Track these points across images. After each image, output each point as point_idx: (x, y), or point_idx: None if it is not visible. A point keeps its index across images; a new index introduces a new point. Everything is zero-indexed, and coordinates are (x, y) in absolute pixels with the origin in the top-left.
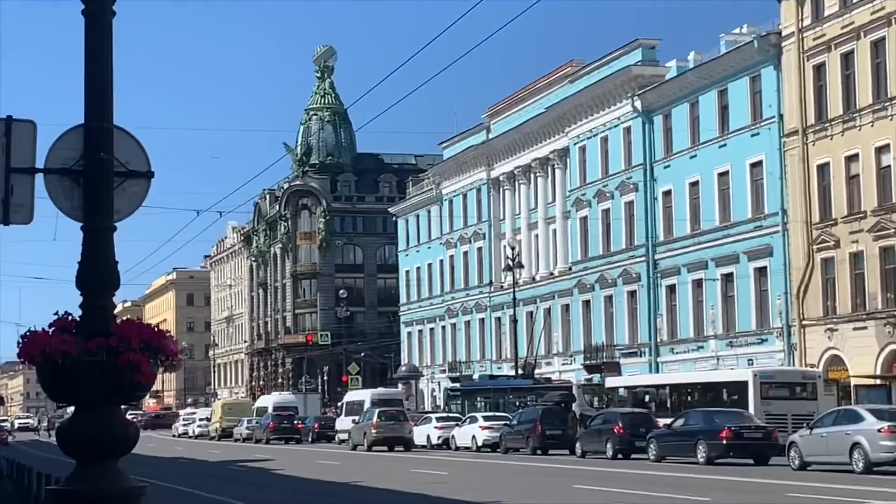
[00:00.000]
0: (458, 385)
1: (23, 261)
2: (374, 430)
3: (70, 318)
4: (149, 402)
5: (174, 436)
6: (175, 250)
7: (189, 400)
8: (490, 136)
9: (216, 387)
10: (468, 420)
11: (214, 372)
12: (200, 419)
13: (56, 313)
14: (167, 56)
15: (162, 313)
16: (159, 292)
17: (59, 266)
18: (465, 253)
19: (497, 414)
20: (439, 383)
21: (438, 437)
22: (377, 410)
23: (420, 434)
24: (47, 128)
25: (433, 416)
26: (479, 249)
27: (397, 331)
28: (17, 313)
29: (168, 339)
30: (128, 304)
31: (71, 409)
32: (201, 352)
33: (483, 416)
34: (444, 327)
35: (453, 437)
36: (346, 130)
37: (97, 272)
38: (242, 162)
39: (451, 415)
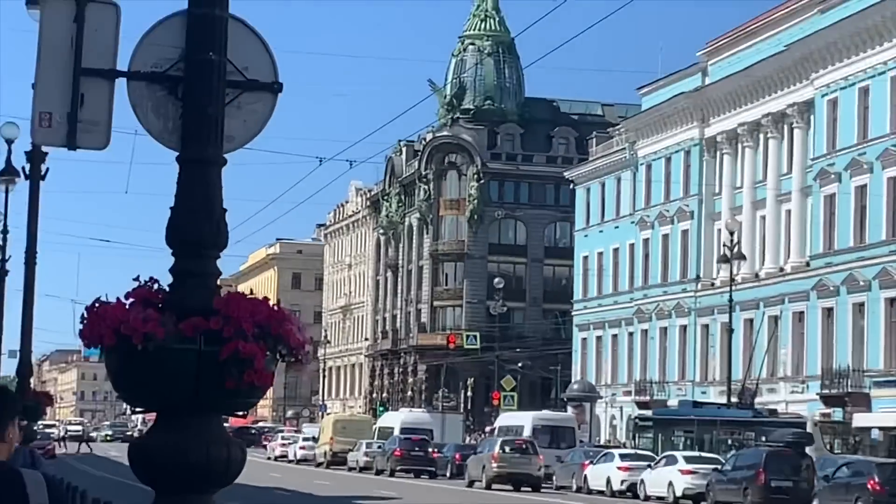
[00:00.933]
0: (649, 413)
1: (84, 219)
2: (494, 465)
3: (157, 287)
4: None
5: (269, 458)
6: (281, 215)
7: (289, 413)
8: (706, 82)
9: (325, 397)
10: (664, 460)
11: (324, 378)
12: (305, 439)
13: (137, 279)
14: None
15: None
16: (258, 269)
17: (130, 228)
18: (666, 236)
19: (703, 454)
20: (621, 409)
21: (622, 482)
22: (500, 440)
23: (597, 476)
24: (136, 17)
25: (616, 452)
26: (685, 233)
27: (568, 336)
28: (73, 287)
29: (293, 321)
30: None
31: (145, 417)
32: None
33: (684, 457)
34: (631, 334)
35: (642, 481)
36: (511, 67)
37: (197, 223)
38: (373, 102)
39: (640, 452)
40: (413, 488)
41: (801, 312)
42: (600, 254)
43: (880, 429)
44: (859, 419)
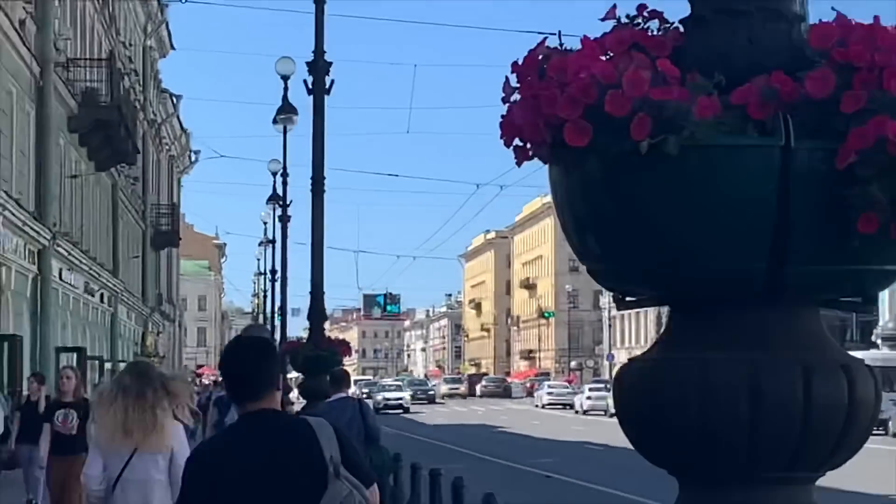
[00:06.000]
0: None
1: (366, 166)
2: None
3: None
4: (520, 366)
5: (536, 406)
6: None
7: (573, 363)
8: None
9: (612, 346)
10: None
11: (610, 327)
12: (591, 389)
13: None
14: None
15: (537, 248)
16: (534, 219)
17: (414, 170)
18: None
19: None
20: None
21: None
22: None
23: None
24: None
25: None
26: None
27: None
28: (354, 240)
29: None
30: (491, 234)
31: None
32: (588, 300)
33: None
34: None
35: None
36: None
37: None
38: None
39: None
40: None
41: None
42: None
43: None
44: None
